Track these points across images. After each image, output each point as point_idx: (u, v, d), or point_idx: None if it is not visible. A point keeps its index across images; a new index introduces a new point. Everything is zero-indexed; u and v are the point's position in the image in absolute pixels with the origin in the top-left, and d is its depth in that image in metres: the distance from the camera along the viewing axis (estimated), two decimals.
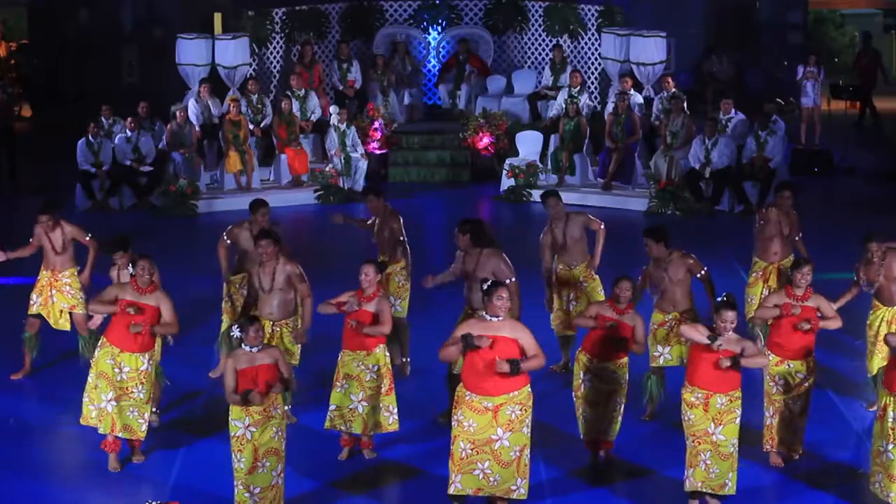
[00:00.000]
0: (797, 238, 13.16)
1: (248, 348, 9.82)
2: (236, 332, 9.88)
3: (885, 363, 10.74)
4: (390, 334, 11.33)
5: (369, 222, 13.12)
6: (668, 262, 11.66)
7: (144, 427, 10.93)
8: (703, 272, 11.69)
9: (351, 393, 10.89)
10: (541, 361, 9.58)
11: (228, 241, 12.62)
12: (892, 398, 9.84)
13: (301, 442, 11.16)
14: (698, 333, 9.94)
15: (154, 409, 11.61)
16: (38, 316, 13.06)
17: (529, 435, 9.66)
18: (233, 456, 9.81)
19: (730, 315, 9.86)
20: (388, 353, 11.07)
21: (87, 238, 13.00)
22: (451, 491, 9.64)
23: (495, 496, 9.72)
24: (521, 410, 9.59)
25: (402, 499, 10.57)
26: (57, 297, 12.99)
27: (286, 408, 11.51)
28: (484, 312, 9.65)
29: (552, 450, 11.07)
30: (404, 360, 12.99)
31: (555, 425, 11.48)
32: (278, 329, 11.47)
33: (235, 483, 9.81)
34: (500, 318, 9.58)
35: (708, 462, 9.90)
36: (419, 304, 13.20)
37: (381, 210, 12.94)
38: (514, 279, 11.36)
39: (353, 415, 10.92)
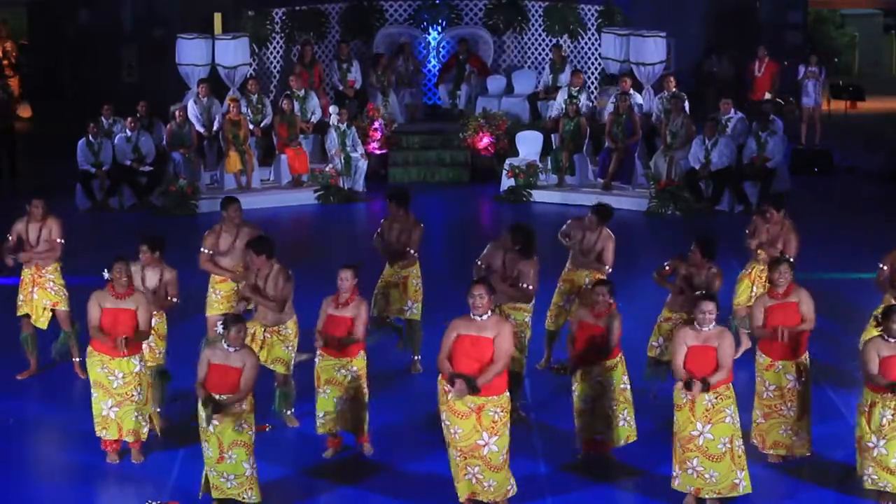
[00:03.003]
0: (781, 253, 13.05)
1: (226, 346, 9.86)
2: (220, 328, 9.95)
3: None
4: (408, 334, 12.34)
5: (383, 225, 13.09)
6: (699, 272, 11.65)
7: (146, 429, 10.99)
8: (717, 285, 11.67)
9: (334, 397, 10.93)
10: (498, 369, 9.64)
11: (210, 252, 12.65)
12: (879, 396, 9.85)
13: (289, 439, 11.19)
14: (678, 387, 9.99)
15: (157, 409, 11.67)
16: (28, 315, 13.07)
17: (509, 435, 9.79)
18: (202, 444, 9.93)
19: (708, 306, 9.93)
20: (366, 359, 11.11)
21: (59, 241, 12.91)
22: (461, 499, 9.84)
23: (494, 500, 9.80)
24: (502, 412, 9.72)
25: (405, 496, 10.56)
26: (38, 294, 12.93)
27: (288, 412, 11.58)
28: (471, 312, 9.74)
29: (552, 450, 11.09)
30: (415, 358, 13.09)
31: (553, 423, 11.49)
32: (269, 336, 11.46)
33: (206, 467, 9.92)
34: (484, 317, 9.65)
35: (699, 468, 9.89)
36: (427, 306, 13.21)
37: (405, 217, 12.94)
38: (532, 287, 11.65)
39: (342, 416, 10.97)
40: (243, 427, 9.87)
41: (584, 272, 12.84)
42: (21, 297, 13.03)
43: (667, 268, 11.89)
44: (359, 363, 10.99)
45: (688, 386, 9.79)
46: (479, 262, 11.89)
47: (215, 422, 9.78)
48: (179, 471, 10.88)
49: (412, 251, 12.92)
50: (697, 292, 10.26)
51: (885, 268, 11.87)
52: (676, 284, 11.80)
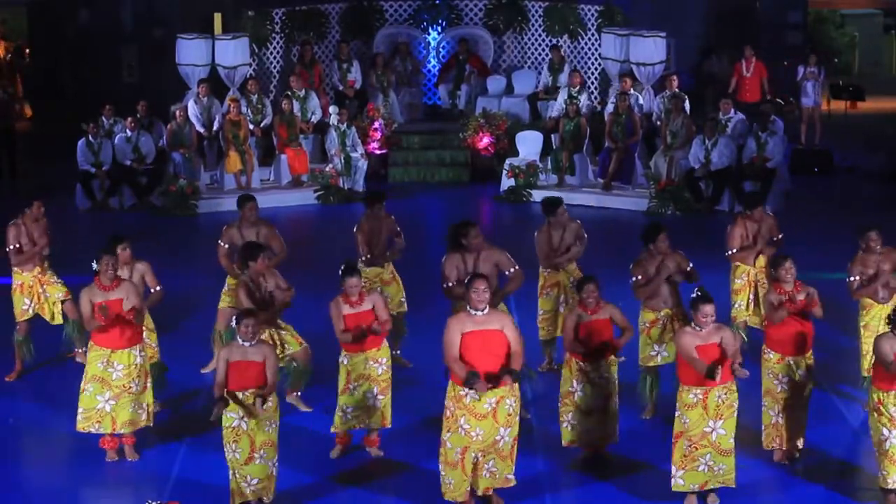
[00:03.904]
0: (777, 238, 13.01)
1: (241, 342, 9.87)
2: (234, 323, 10.00)
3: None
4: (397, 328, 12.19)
5: (360, 240, 13.11)
6: (664, 259, 11.65)
7: (144, 416, 11.03)
8: (689, 267, 11.70)
9: (366, 391, 10.93)
10: (522, 353, 9.81)
11: (227, 246, 12.64)
12: (887, 394, 9.88)
13: (298, 439, 11.20)
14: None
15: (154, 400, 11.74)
16: (30, 319, 13.07)
17: (518, 423, 9.89)
18: (226, 447, 9.89)
19: (708, 308, 9.93)
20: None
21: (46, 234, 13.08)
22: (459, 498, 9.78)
23: (495, 487, 9.90)
24: (515, 402, 9.79)
25: (404, 494, 10.55)
26: (49, 291, 13.00)
27: (296, 394, 11.64)
28: (470, 308, 9.72)
29: (551, 447, 11.09)
30: (397, 352, 13.07)
31: (554, 423, 11.48)
32: (283, 332, 11.57)
33: (231, 473, 9.87)
34: (485, 311, 9.65)
35: (710, 463, 9.94)
36: (420, 304, 13.22)
37: (386, 215, 13.03)
38: (518, 267, 11.67)
39: (369, 412, 10.97)
40: (272, 426, 9.94)
41: (566, 271, 12.81)
42: (28, 301, 13.00)
43: (639, 278, 11.74)
44: (385, 353, 11.02)
45: (711, 374, 9.79)
46: (450, 284, 11.58)
47: (246, 418, 9.79)
48: (180, 470, 10.89)
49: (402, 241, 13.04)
50: (697, 294, 10.21)
51: (856, 279, 11.80)
52: (654, 284, 11.67)
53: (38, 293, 13.00)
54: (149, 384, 11.11)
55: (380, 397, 10.97)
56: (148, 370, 11.21)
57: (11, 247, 12.85)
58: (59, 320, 13.08)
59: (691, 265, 11.70)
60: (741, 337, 12.61)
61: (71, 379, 12.94)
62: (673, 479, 10.05)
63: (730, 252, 13.00)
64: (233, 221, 12.85)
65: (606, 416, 10.88)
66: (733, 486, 10.06)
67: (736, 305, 13.07)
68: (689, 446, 9.98)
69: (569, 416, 10.93)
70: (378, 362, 10.96)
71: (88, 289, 10.94)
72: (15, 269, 12.99)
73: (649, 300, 11.72)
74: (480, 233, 11.67)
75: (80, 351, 12.99)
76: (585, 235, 12.89)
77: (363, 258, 12.88)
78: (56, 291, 13.02)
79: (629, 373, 11.81)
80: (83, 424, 11.01)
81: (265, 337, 11.26)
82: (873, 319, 11.80)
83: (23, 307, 13.03)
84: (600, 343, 10.80)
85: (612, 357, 10.93)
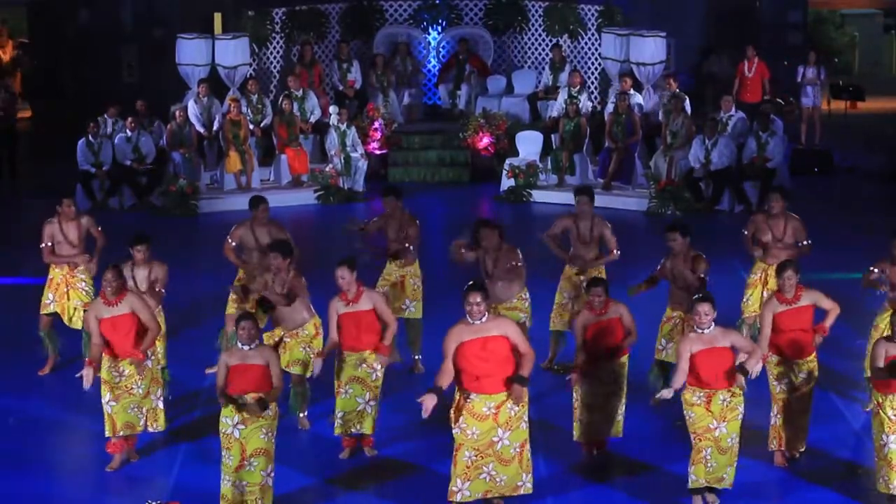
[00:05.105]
0: (804, 243, 12.86)
1: (240, 345, 9.85)
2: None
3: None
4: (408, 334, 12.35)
5: (372, 222, 13.09)
6: (687, 260, 11.63)
7: (143, 421, 10.96)
8: (702, 275, 11.66)
9: (357, 396, 10.91)
10: (532, 357, 9.75)
11: (234, 244, 12.68)
12: (885, 397, 9.88)
13: (302, 441, 11.19)
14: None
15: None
16: (51, 314, 13.09)
17: (527, 429, 9.78)
18: (222, 451, 9.87)
19: (703, 307, 9.91)
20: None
21: (98, 229, 13.14)
22: (457, 499, 9.68)
23: (503, 495, 9.80)
24: (520, 406, 9.69)
25: (405, 495, 10.56)
26: (72, 295, 13.02)
27: (302, 415, 11.58)
28: (468, 317, 9.70)
29: (552, 448, 11.09)
30: (416, 358, 13.07)
31: (554, 423, 11.50)
32: (289, 339, 11.46)
33: (223, 477, 9.85)
34: (483, 320, 9.62)
35: (708, 457, 9.96)
36: (428, 305, 13.21)
37: (399, 213, 12.96)
38: (522, 263, 11.94)
39: (361, 416, 10.94)
40: (268, 435, 9.86)
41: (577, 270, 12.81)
42: (50, 296, 13.06)
43: (658, 270, 11.73)
44: (374, 356, 10.98)
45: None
46: (481, 281, 11.64)
47: (242, 426, 9.74)
48: (180, 471, 10.89)
49: (412, 248, 12.92)
50: (697, 296, 10.20)
51: (876, 270, 11.77)
52: (692, 280, 11.65)
53: (62, 292, 13.03)
54: (153, 390, 11.02)
55: (371, 404, 10.93)
56: (157, 376, 11.13)
57: (44, 245, 12.95)
58: (77, 325, 13.06)
59: (703, 274, 11.59)
60: (746, 332, 12.63)
61: (74, 380, 12.95)
62: (689, 478, 10.05)
63: (748, 245, 13.02)
64: (244, 220, 12.85)
65: (610, 413, 10.89)
66: (721, 486, 10.02)
67: (745, 299, 13.06)
68: (695, 440, 9.99)
69: (577, 411, 10.95)
70: (372, 367, 10.94)
71: (94, 304, 10.96)
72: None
73: (672, 297, 11.78)
74: (492, 233, 11.82)
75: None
76: (617, 250, 12.79)
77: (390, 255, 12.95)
78: (77, 297, 13.05)
79: (638, 367, 11.74)
80: (107, 430, 10.96)
81: (284, 340, 11.28)
82: (885, 322, 11.76)
83: (45, 301, 13.11)
84: (608, 344, 10.79)
85: (625, 358, 10.93)
